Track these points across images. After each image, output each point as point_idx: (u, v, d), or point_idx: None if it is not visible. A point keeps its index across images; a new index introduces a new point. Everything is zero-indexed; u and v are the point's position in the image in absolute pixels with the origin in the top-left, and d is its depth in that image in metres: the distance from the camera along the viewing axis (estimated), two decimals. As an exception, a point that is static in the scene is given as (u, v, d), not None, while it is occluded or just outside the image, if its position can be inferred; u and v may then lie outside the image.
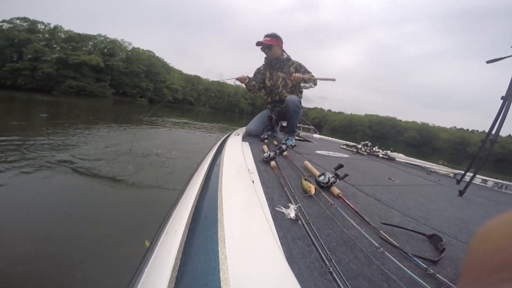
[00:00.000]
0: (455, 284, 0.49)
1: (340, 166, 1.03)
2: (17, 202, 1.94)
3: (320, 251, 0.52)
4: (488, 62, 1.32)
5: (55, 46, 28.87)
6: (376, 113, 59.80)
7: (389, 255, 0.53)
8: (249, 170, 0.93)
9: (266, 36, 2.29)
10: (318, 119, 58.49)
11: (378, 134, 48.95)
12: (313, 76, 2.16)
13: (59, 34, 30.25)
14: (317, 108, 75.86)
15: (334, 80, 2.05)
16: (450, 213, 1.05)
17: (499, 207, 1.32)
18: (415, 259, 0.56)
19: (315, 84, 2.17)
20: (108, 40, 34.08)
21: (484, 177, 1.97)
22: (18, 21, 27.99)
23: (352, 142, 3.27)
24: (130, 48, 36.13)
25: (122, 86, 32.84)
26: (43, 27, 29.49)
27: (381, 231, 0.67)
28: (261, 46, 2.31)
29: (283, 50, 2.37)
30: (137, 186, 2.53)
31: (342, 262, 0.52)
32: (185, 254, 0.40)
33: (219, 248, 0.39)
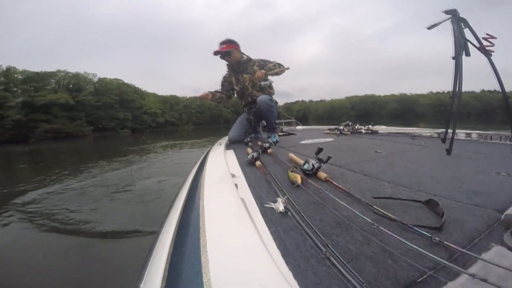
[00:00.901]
0: (469, 250, 0.46)
1: (320, 150, 1.03)
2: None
3: (315, 238, 0.50)
4: (428, 28, 1.39)
5: (15, 89, 26.51)
6: (354, 94, 60.97)
7: (387, 230, 0.50)
8: (234, 175, 0.94)
9: (222, 43, 2.23)
10: (302, 111, 59.13)
11: (361, 113, 49.87)
12: (275, 66, 2.12)
13: (15, 75, 27.67)
14: (299, 101, 76.98)
15: (288, 68, 2.11)
16: (441, 174, 1.00)
17: (488, 158, 1.28)
18: (416, 228, 0.52)
19: (278, 74, 2.11)
20: (70, 75, 31.79)
21: (467, 131, 1.98)
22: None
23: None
24: (96, 79, 33.91)
25: (99, 120, 30.75)
26: (-6, 70, 26.65)
27: (374, 206, 0.64)
28: (219, 55, 2.24)
29: (242, 53, 2.32)
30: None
31: (339, 245, 0.50)
32: (171, 268, 0.40)
33: (201, 254, 0.39)
